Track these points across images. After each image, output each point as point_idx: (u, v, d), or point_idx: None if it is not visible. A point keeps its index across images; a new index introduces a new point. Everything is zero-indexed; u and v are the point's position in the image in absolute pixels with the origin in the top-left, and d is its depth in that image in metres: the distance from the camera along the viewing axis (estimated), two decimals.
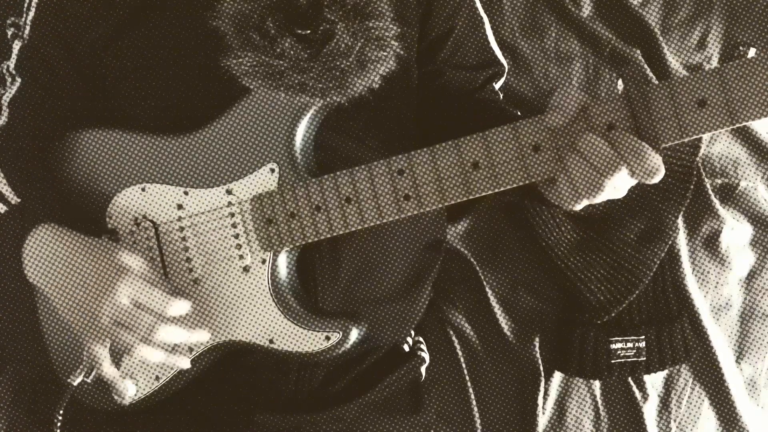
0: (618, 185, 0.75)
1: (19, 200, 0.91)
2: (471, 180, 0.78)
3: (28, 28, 0.96)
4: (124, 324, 0.83)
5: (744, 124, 0.69)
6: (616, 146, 0.73)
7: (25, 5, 0.96)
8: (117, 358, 0.90)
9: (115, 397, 0.92)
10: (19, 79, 0.97)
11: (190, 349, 0.91)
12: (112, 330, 0.83)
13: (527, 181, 0.77)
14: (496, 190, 0.78)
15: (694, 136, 0.70)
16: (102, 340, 0.85)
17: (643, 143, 0.72)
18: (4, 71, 0.98)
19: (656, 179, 0.73)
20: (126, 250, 0.87)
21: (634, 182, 0.76)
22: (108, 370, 0.88)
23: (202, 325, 0.90)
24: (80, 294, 0.84)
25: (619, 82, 0.72)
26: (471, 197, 0.79)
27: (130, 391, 0.91)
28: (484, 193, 0.78)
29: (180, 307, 0.85)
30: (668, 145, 0.72)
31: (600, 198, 0.76)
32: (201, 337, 0.89)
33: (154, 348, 0.85)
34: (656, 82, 0.77)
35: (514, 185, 0.77)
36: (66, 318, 0.86)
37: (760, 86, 0.67)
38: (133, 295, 0.83)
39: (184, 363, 0.89)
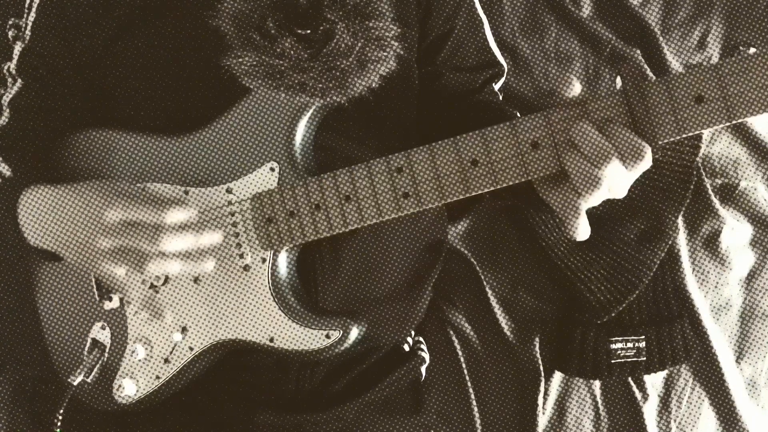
0: (614, 179, 0.74)
1: (10, 174, 0.91)
2: (470, 177, 0.78)
3: (29, 29, 0.96)
4: (126, 247, 0.81)
5: (742, 120, 0.69)
6: (609, 137, 0.72)
7: (26, 6, 0.96)
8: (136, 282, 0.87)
9: (154, 319, 0.88)
10: (20, 80, 0.98)
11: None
12: (118, 256, 0.81)
13: (526, 178, 0.77)
14: (495, 187, 0.78)
15: (692, 133, 0.70)
16: (113, 264, 0.82)
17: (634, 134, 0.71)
18: (5, 72, 0.98)
19: (645, 162, 0.72)
20: (108, 181, 0.85)
21: (632, 178, 0.75)
22: (135, 291, 0.86)
23: (203, 318, 0.89)
24: (80, 237, 0.82)
25: (618, 78, 0.71)
26: (470, 194, 0.79)
27: (130, 390, 0.91)
28: (483, 191, 0.78)
29: (177, 213, 0.82)
30: (666, 142, 0.72)
31: (598, 196, 0.75)
32: (213, 238, 0.85)
33: (167, 258, 0.81)
34: (653, 79, 0.77)
35: (513, 182, 0.77)
36: (75, 265, 0.84)
37: (758, 82, 0.67)
38: (123, 216, 0.81)
39: (208, 265, 0.84)
